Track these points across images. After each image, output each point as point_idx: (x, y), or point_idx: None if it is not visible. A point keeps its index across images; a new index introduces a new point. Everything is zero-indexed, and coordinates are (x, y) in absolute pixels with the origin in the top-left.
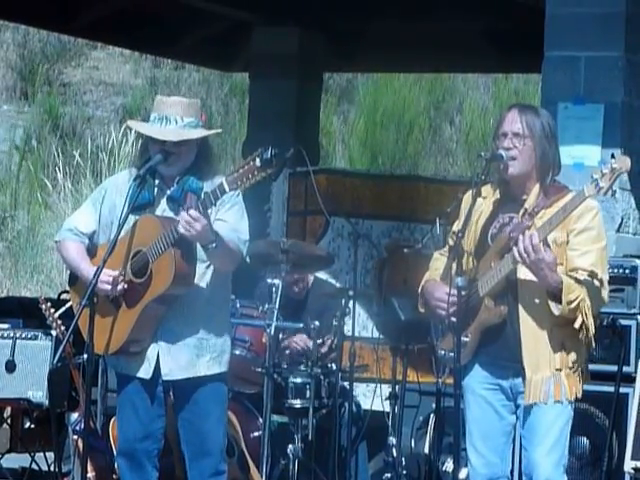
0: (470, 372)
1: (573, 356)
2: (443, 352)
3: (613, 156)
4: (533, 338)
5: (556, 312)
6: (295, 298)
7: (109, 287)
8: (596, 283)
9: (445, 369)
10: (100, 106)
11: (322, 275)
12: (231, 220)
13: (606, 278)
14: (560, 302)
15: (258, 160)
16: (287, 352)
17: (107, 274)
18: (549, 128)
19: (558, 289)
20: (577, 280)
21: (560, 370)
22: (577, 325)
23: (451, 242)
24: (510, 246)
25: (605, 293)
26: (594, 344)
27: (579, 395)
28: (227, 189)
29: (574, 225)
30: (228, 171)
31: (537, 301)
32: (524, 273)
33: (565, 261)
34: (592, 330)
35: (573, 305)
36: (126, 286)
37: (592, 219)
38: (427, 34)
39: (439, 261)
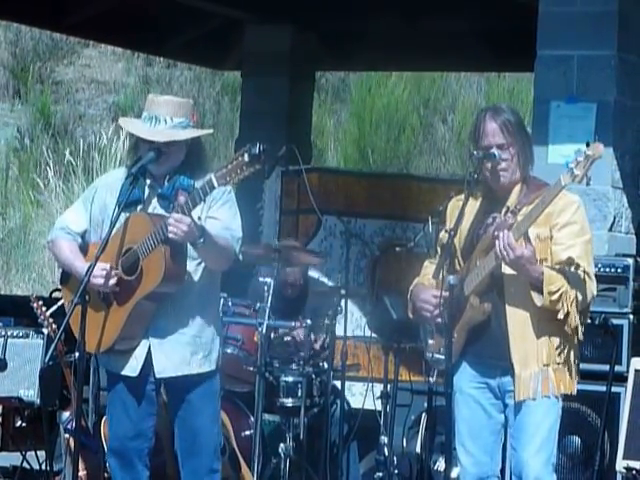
0: (458, 371)
1: (561, 351)
2: (430, 354)
3: (588, 144)
4: (520, 334)
5: (538, 303)
6: (290, 297)
7: (102, 281)
8: (580, 275)
9: (434, 371)
10: (92, 104)
11: (314, 274)
12: (223, 218)
13: (592, 270)
14: (542, 293)
15: (246, 155)
16: (288, 339)
17: (100, 267)
18: (519, 122)
19: (540, 280)
20: (560, 271)
21: (548, 365)
22: (561, 316)
23: (439, 249)
24: (494, 244)
25: (593, 286)
26: (582, 337)
27: (569, 391)
28: (216, 185)
29: (556, 220)
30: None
31: (523, 296)
32: (510, 269)
33: (550, 256)
34: (576, 321)
35: (555, 296)
36: (116, 280)
37: (574, 213)
38: (420, 33)
39: (430, 268)
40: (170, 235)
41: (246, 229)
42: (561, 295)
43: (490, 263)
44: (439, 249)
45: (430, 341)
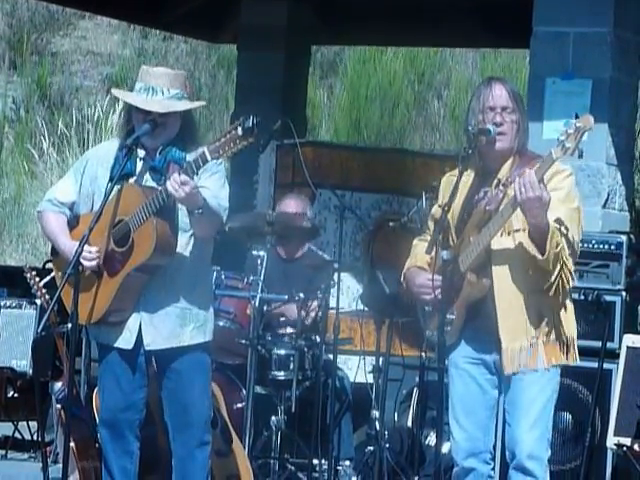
0: (457, 348)
1: (550, 324)
2: (431, 333)
3: (577, 116)
4: (509, 307)
5: (539, 256)
6: (283, 259)
7: (87, 263)
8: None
9: (434, 349)
10: (88, 76)
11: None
12: (212, 187)
13: (577, 239)
14: (542, 248)
15: (240, 129)
16: (282, 319)
17: (86, 250)
18: (521, 95)
19: (545, 231)
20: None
21: (537, 338)
22: (554, 277)
23: (431, 225)
24: (486, 219)
25: (575, 249)
26: (569, 301)
27: (558, 361)
28: (209, 158)
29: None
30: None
31: (511, 270)
32: (497, 243)
33: None
34: (569, 278)
35: (558, 249)
36: (101, 261)
37: (562, 180)
38: (416, 8)
39: (419, 247)
40: (170, 190)
41: (241, 202)
42: (560, 251)
43: (485, 238)
44: (431, 224)
45: (430, 320)
